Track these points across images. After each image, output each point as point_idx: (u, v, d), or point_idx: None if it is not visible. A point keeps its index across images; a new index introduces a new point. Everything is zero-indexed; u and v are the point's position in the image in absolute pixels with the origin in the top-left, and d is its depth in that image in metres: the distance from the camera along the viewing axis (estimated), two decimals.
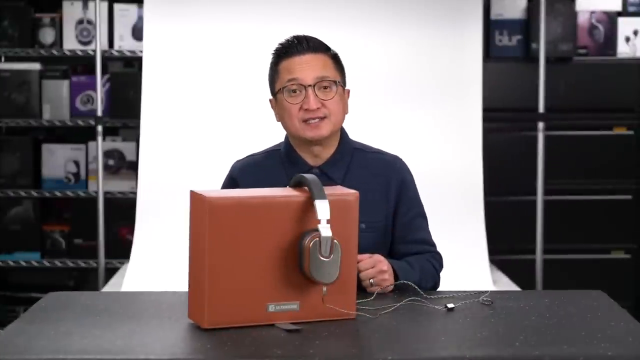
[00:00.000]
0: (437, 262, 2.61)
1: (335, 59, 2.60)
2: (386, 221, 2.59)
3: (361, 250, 2.40)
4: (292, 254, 2.04)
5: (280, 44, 2.60)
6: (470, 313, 2.17)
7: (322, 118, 2.53)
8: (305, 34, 2.61)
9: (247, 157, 2.69)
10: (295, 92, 2.53)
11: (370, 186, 2.57)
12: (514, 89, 4.71)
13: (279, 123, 2.63)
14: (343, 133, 2.64)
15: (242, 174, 2.63)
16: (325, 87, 2.54)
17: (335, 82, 2.55)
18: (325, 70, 2.54)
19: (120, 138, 4.88)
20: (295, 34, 2.61)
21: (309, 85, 2.52)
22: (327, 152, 2.60)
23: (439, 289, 2.55)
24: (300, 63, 2.53)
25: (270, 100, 2.63)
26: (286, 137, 2.64)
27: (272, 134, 4.10)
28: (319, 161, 2.59)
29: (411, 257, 2.56)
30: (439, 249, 2.65)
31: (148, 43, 4.28)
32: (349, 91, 2.63)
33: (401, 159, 2.67)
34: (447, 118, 4.25)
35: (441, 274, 2.63)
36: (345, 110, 2.60)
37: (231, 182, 2.65)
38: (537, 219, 4.46)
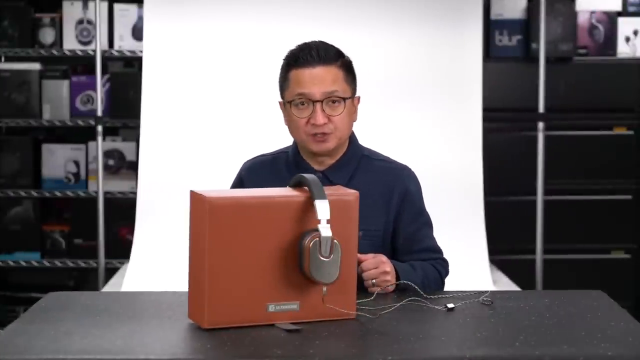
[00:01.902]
0: (442, 268, 2.59)
1: (347, 67, 2.56)
2: (385, 231, 2.56)
3: None
4: (292, 254, 2.04)
5: (291, 51, 2.56)
6: (470, 313, 2.17)
7: (328, 133, 2.51)
8: (317, 41, 2.56)
9: (256, 157, 2.69)
10: (303, 104, 2.52)
11: (372, 194, 2.55)
12: (514, 89, 4.71)
13: (284, 127, 2.61)
14: (353, 138, 2.62)
15: (248, 173, 2.64)
16: (333, 102, 2.51)
17: (344, 98, 2.52)
18: (335, 84, 2.51)
19: (120, 138, 4.88)
20: (307, 41, 2.56)
21: (317, 101, 2.50)
22: (333, 159, 2.59)
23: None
24: (311, 76, 2.50)
25: (279, 103, 2.61)
26: (294, 141, 2.63)
27: (272, 134, 4.10)
28: (323, 166, 2.59)
29: (416, 261, 2.55)
30: None
31: (148, 43, 4.28)
32: (359, 98, 2.61)
33: (409, 169, 2.64)
34: (447, 118, 4.25)
35: (445, 280, 2.62)
36: (353, 119, 2.59)
37: (239, 181, 2.66)
38: (537, 219, 4.46)
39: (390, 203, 2.56)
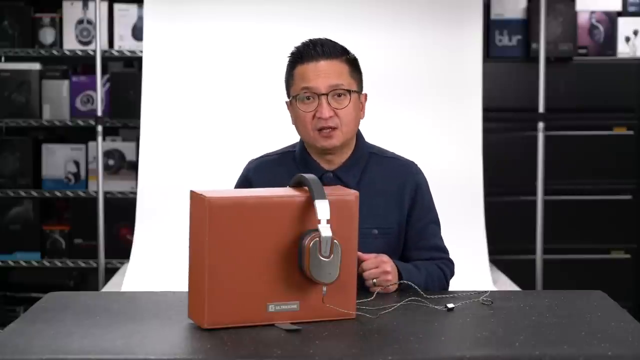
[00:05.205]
0: (447, 268, 2.60)
1: (352, 63, 2.57)
2: (399, 227, 2.57)
3: None
4: (292, 254, 2.04)
5: (295, 47, 2.57)
6: (470, 313, 2.17)
7: (334, 128, 2.51)
8: (321, 37, 2.57)
9: (261, 156, 2.68)
10: (308, 99, 2.52)
11: (385, 192, 2.56)
12: (514, 89, 4.71)
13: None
14: (359, 137, 2.62)
15: (256, 173, 2.62)
16: (339, 95, 2.52)
17: (349, 91, 2.53)
18: (340, 78, 2.52)
19: (120, 138, 4.88)
20: (311, 38, 2.57)
21: (322, 94, 2.50)
22: (341, 158, 2.59)
23: None
24: (315, 70, 2.51)
25: (286, 103, 2.61)
26: (301, 139, 2.63)
27: (273, 134, 4.10)
28: (333, 166, 2.58)
29: (420, 261, 2.55)
30: None
31: (148, 43, 4.28)
32: (365, 95, 2.62)
33: (416, 164, 2.66)
34: (447, 118, 4.25)
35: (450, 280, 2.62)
36: (360, 116, 2.59)
37: (245, 181, 2.64)
38: (537, 219, 4.45)
39: (403, 200, 2.57)
